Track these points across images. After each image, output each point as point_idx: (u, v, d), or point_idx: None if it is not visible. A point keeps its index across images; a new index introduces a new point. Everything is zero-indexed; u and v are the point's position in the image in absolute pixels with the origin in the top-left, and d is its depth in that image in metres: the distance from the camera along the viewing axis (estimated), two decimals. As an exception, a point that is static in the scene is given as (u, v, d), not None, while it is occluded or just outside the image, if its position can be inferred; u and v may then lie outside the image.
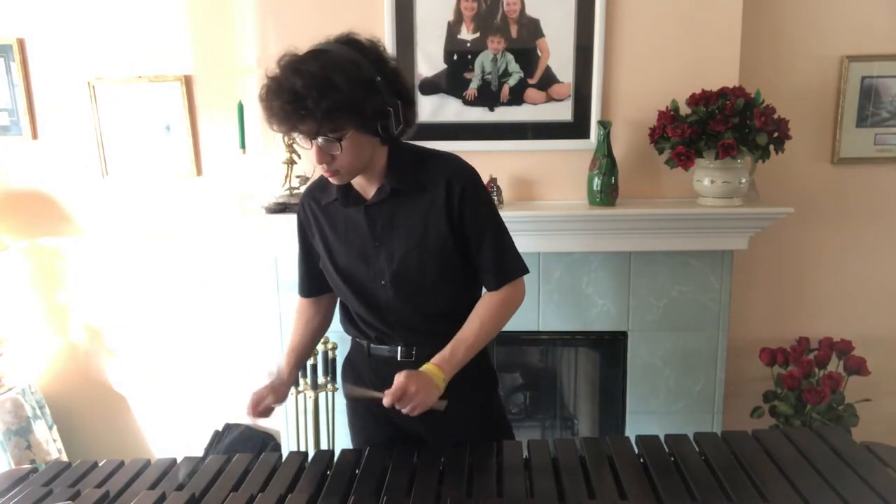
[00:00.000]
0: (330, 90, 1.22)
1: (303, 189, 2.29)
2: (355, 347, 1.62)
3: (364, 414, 1.62)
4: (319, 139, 1.29)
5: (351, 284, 1.50)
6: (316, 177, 1.54)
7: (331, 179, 1.40)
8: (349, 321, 1.59)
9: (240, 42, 2.51)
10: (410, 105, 1.37)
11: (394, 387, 1.34)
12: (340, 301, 1.60)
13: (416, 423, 1.52)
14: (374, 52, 1.32)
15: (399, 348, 1.51)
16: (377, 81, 1.28)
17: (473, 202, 1.42)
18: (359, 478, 1.39)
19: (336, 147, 1.30)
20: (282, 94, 1.24)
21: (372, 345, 1.55)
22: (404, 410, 1.35)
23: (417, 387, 1.34)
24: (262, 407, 1.55)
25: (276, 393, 1.57)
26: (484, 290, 1.52)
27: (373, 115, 1.28)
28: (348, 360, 1.67)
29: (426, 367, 1.39)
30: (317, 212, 1.52)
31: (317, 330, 1.69)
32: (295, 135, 1.33)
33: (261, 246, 2.49)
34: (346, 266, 1.49)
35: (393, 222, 1.44)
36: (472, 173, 1.44)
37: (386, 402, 1.35)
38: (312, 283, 1.63)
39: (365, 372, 1.57)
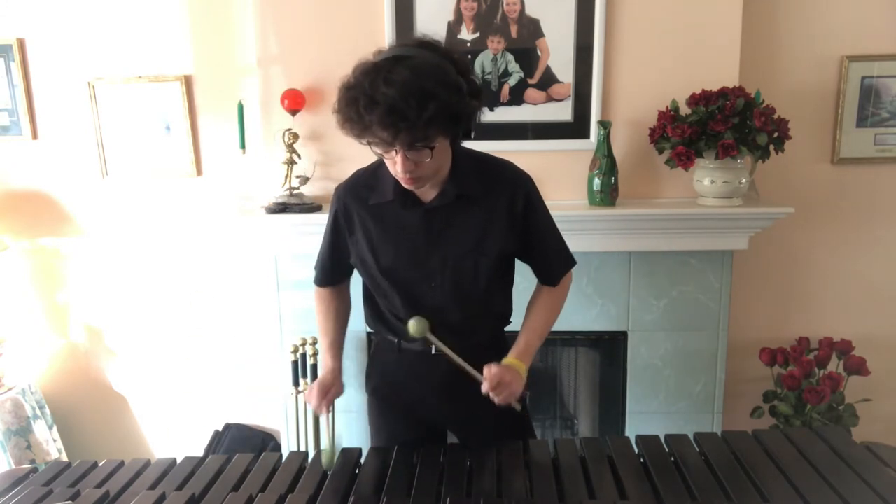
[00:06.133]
0: (428, 99, 1.17)
1: (302, 189, 2.31)
2: (383, 344, 1.60)
3: (392, 416, 1.63)
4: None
5: (395, 284, 1.48)
6: (349, 174, 1.53)
7: (408, 186, 1.35)
8: (379, 319, 1.57)
9: (240, 42, 2.51)
10: (482, 105, 1.35)
11: (491, 376, 1.38)
12: (368, 299, 1.58)
13: (450, 419, 1.58)
14: (449, 53, 1.29)
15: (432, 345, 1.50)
16: (463, 85, 1.25)
17: (535, 209, 1.48)
18: (359, 478, 1.39)
19: (427, 154, 1.26)
20: (376, 106, 1.17)
21: (403, 341, 1.54)
22: (497, 399, 1.39)
23: (511, 378, 1.40)
24: (328, 398, 1.51)
25: (336, 385, 1.54)
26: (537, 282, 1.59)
27: (463, 119, 1.27)
28: (375, 357, 1.65)
29: (509, 360, 1.45)
30: (360, 209, 1.47)
31: (345, 315, 1.66)
32: (369, 142, 1.26)
33: (261, 246, 2.49)
34: (391, 266, 1.47)
35: (451, 226, 1.44)
36: (530, 180, 1.49)
37: (484, 388, 1.39)
38: (335, 272, 1.60)
39: (393, 367, 1.57)
